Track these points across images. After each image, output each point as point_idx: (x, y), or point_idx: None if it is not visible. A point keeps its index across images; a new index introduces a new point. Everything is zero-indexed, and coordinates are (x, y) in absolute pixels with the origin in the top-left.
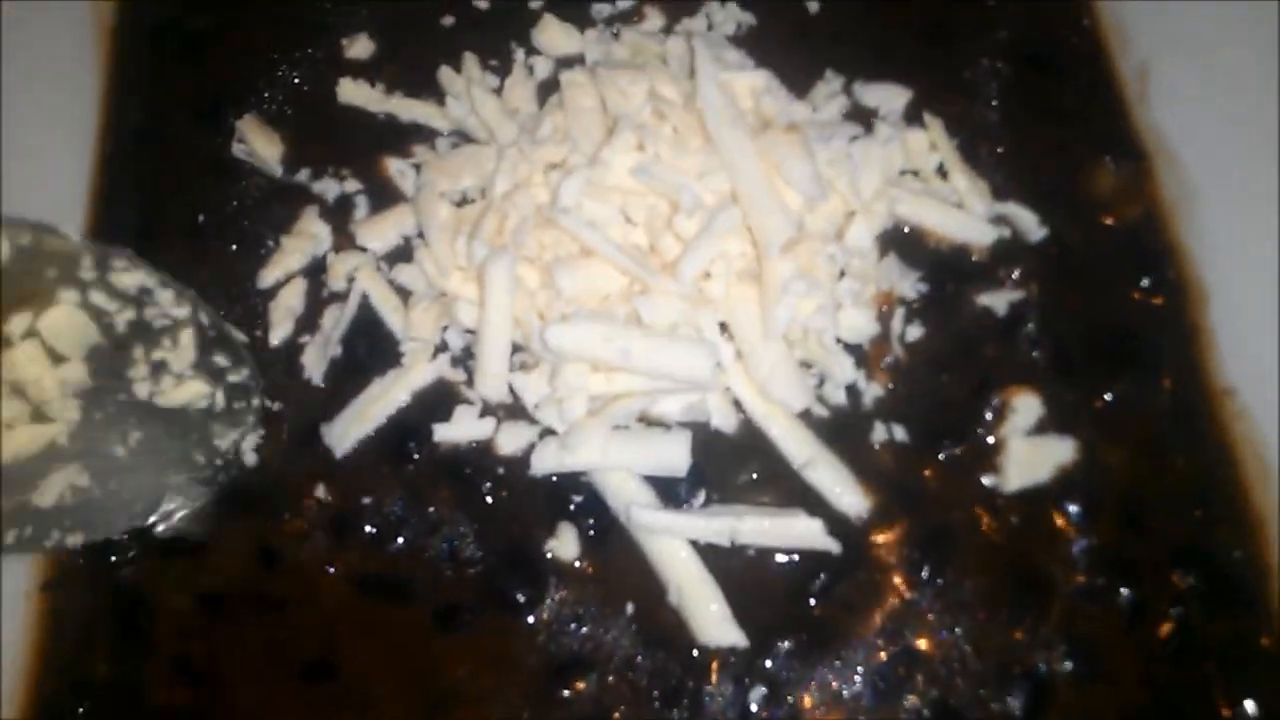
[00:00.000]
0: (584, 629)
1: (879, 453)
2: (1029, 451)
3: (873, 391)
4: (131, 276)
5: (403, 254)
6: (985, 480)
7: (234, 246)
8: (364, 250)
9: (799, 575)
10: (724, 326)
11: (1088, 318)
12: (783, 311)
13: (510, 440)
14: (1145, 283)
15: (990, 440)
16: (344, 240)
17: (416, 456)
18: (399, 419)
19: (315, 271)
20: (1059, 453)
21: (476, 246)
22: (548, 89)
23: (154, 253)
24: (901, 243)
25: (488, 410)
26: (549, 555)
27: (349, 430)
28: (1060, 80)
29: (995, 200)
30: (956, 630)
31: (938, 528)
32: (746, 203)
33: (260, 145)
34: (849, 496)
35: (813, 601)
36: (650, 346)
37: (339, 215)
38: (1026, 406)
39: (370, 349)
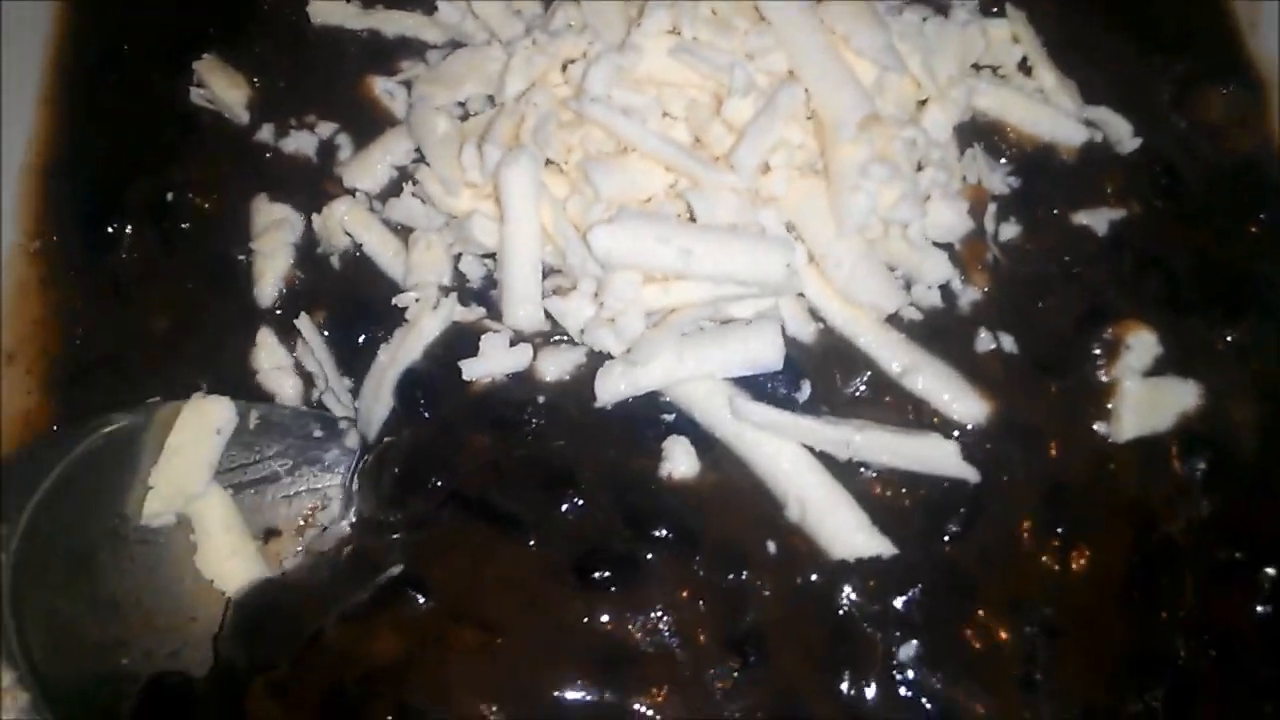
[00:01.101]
0: (736, 560)
1: (987, 360)
2: (1146, 394)
3: (970, 295)
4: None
5: (397, 189)
6: (1097, 427)
7: (208, 234)
8: (353, 194)
9: (925, 509)
10: (789, 228)
11: (1199, 250)
12: (861, 200)
13: (554, 365)
14: (1263, 216)
15: (1102, 379)
16: (332, 188)
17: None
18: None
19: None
20: (1181, 398)
21: (489, 151)
22: None
23: (117, 248)
24: (981, 137)
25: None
26: (667, 476)
27: (372, 412)
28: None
29: (1085, 103)
30: (1080, 605)
31: (1058, 483)
32: (810, 79)
33: (222, 89)
34: (963, 402)
35: (946, 539)
36: (714, 244)
37: (321, 168)
38: (1141, 343)
39: (366, 311)
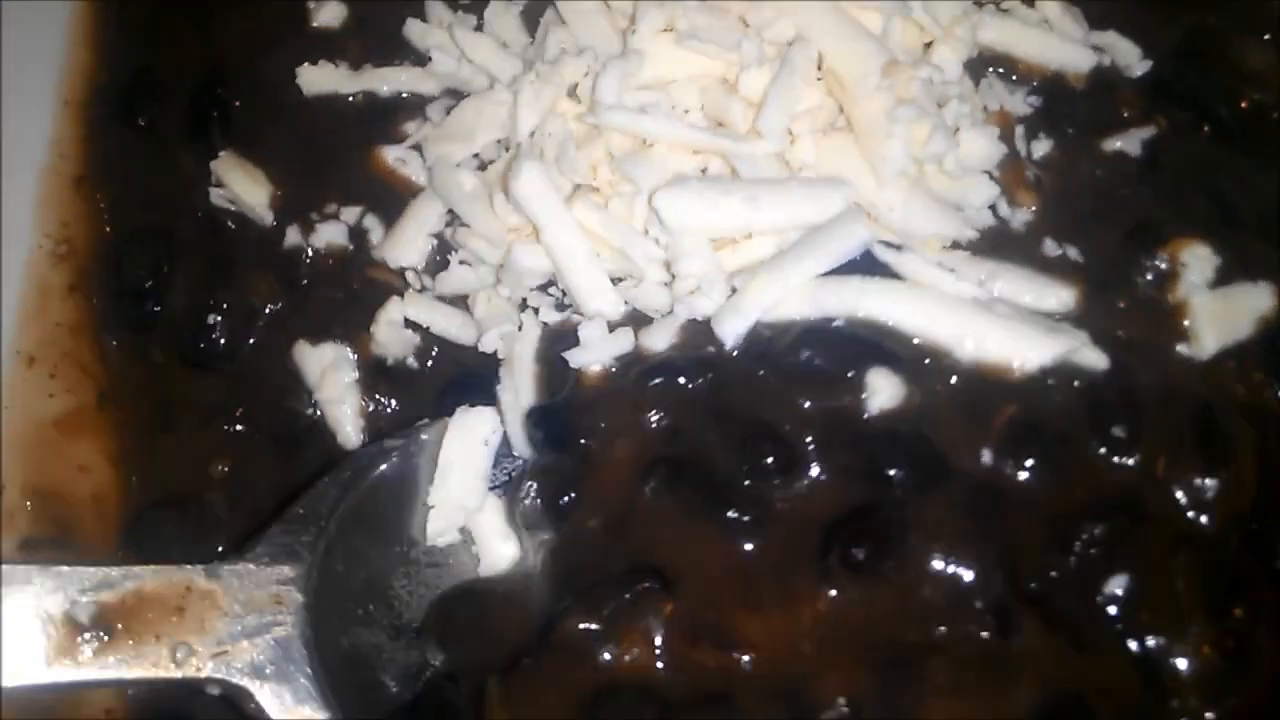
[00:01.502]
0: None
1: (1058, 263)
2: (1218, 306)
3: (1021, 216)
4: None
5: (441, 258)
6: (1180, 349)
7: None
8: (400, 293)
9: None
10: None
11: (1250, 177)
12: (896, 146)
13: (659, 338)
14: None
15: (1170, 300)
16: (376, 273)
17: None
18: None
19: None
20: (1256, 301)
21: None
22: (533, 14)
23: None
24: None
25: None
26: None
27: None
28: None
29: (1092, 29)
30: None
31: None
32: (820, 37)
33: (244, 189)
34: (1050, 292)
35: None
36: (775, 190)
37: (358, 255)
38: (1197, 258)
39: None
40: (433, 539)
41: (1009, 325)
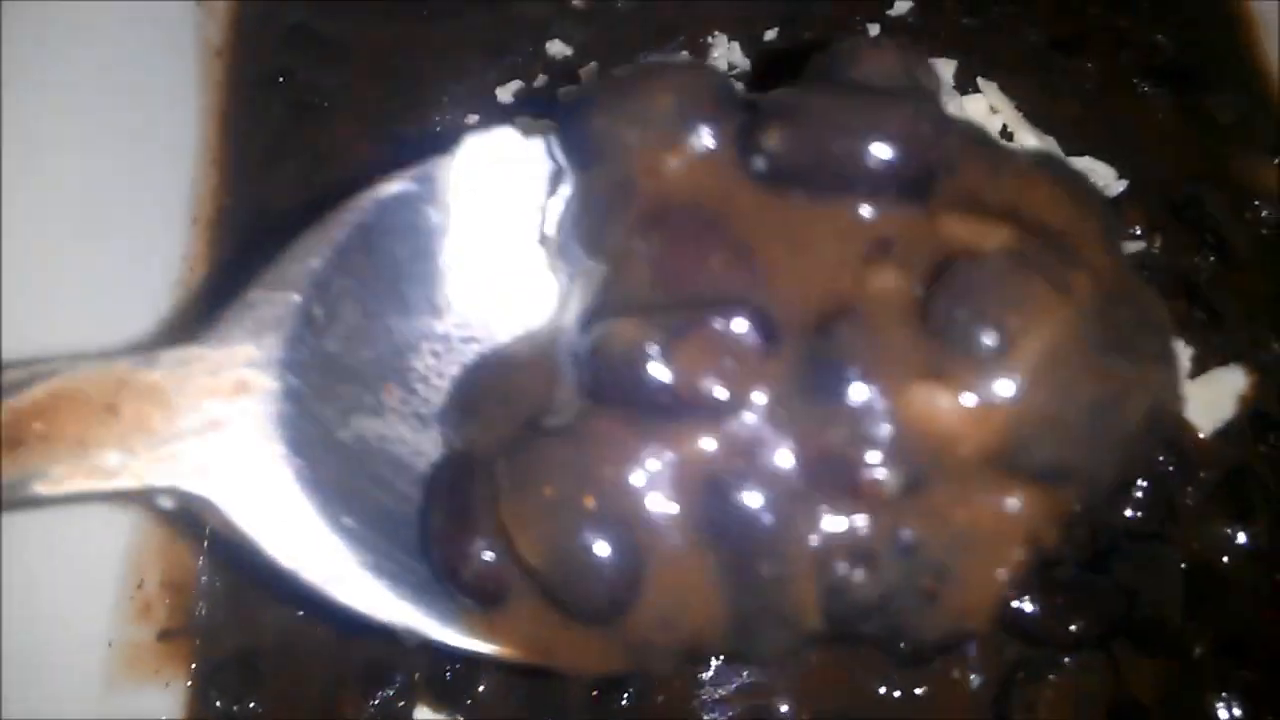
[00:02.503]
0: None
1: None
2: (1201, 392)
3: None
4: None
5: None
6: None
7: None
8: None
9: None
10: None
11: (1241, 288)
12: None
13: None
14: None
15: None
16: None
17: None
18: None
19: None
20: (1233, 382)
21: None
22: None
23: None
24: None
25: None
26: None
27: None
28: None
29: (1067, 155)
30: None
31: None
32: None
33: None
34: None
35: None
36: None
37: None
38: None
39: None
40: (459, 301)
41: None
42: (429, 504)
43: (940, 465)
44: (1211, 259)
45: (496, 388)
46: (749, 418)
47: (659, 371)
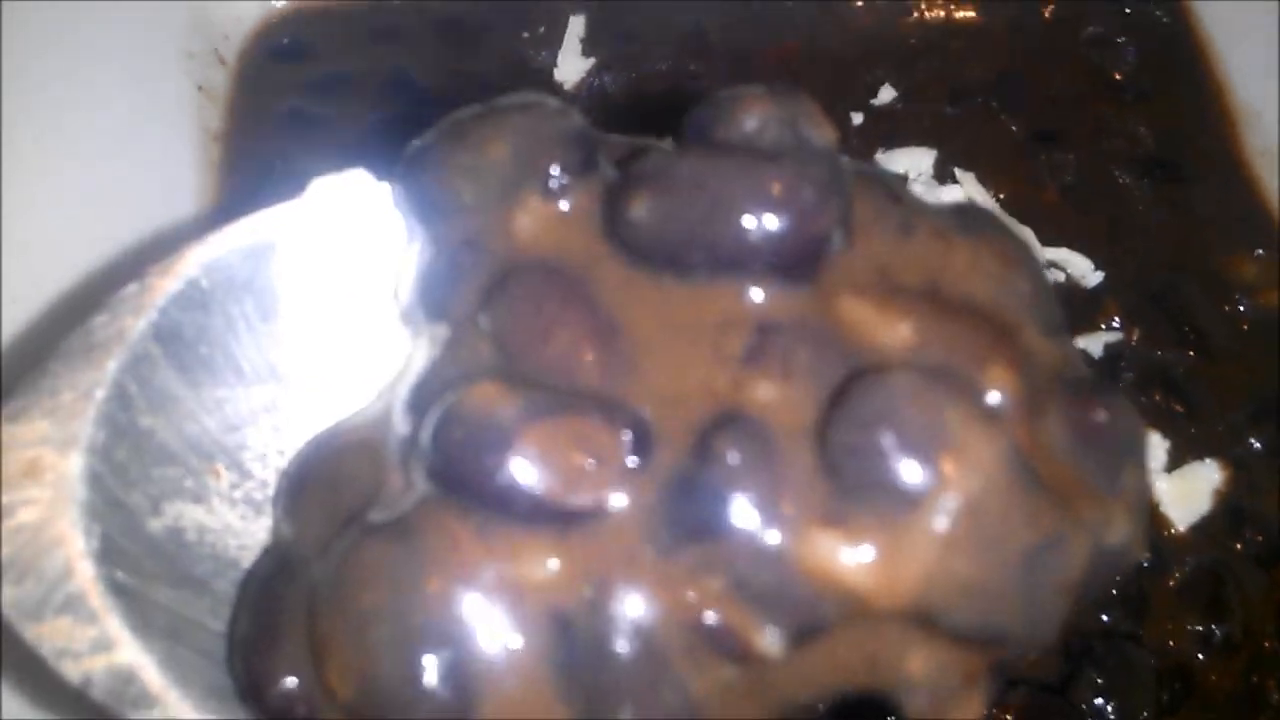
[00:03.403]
0: None
1: None
2: (1176, 487)
3: None
4: None
5: None
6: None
7: None
8: None
9: None
10: None
11: (1225, 383)
12: None
13: None
14: None
15: None
16: None
17: None
18: None
19: None
20: (1209, 477)
21: None
22: None
23: None
24: None
25: None
26: None
27: None
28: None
29: (1045, 245)
30: None
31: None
32: None
33: None
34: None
35: None
36: None
37: None
38: (1153, 448)
39: None
40: (304, 368)
41: None
42: (238, 602)
43: (843, 616)
44: (1190, 352)
45: (325, 472)
46: (612, 546)
47: (521, 451)
